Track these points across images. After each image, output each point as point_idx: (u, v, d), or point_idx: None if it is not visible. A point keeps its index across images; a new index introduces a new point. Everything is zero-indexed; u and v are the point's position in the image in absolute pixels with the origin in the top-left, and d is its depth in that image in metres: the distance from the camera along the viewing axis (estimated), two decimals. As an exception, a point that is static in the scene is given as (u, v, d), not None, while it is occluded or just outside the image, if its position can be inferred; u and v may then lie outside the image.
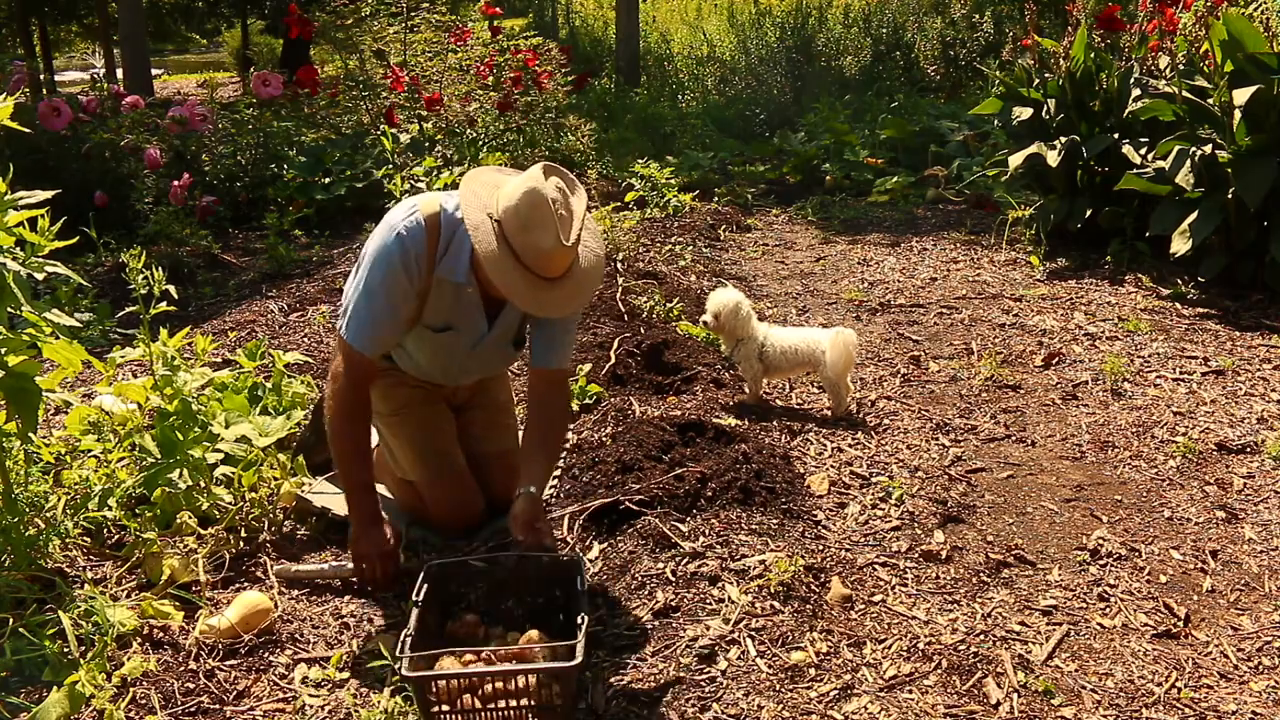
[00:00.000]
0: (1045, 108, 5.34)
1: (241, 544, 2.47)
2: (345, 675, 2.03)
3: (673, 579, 2.24)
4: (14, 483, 2.30)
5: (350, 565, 2.33)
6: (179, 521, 2.43)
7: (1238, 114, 4.19)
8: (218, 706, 1.95)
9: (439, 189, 6.13)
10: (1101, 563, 2.44)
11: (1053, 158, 5.04)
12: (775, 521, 2.50)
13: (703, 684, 1.95)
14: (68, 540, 2.37)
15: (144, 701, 1.93)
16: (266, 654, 2.11)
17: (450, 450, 2.55)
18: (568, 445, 3.02)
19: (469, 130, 7.50)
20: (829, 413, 3.32)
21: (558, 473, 2.87)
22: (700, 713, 1.88)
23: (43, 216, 2.19)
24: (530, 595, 2.14)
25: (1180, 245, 4.44)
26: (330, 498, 2.67)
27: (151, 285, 2.61)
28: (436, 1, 8.32)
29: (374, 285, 2.20)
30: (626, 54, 12.49)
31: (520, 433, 2.74)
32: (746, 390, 3.38)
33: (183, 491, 2.48)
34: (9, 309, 2.10)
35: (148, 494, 2.48)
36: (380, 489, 2.55)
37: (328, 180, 6.60)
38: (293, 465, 2.71)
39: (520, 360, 2.89)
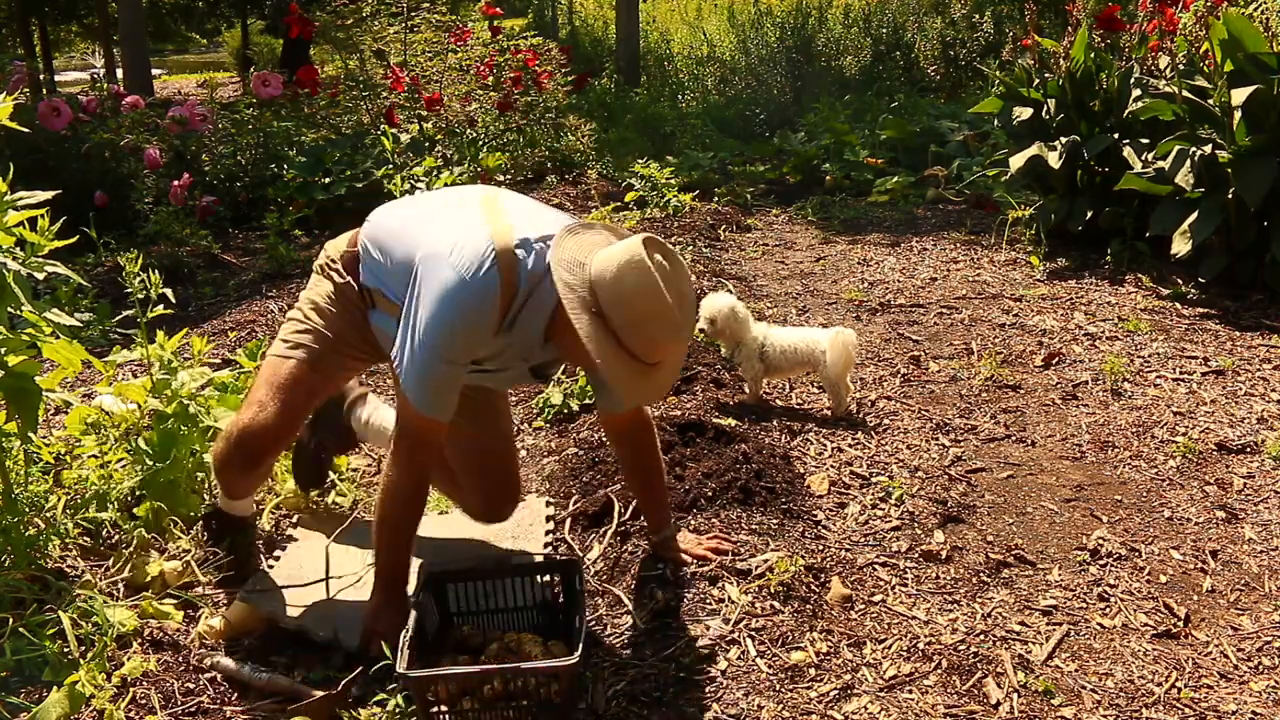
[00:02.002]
0: (1045, 108, 5.33)
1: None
2: (345, 675, 2.03)
3: (673, 579, 2.24)
4: (14, 483, 2.30)
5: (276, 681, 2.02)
6: (175, 524, 2.43)
7: (1237, 114, 4.19)
8: (217, 706, 1.95)
9: (440, 187, 6.13)
10: (1101, 563, 2.44)
11: (1053, 158, 5.04)
12: (775, 521, 2.50)
13: (703, 684, 1.95)
14: (67, 540, 2.37)
15: (144, 701, 1.93)
16: (267, 654, 2.11)
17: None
18: (568, 447, 3.02)
19: (469, 130, 7.51)
20: (829, 413, 3.32)
21: (557, 471, 2.87)
22: (700, 713, 1.87)
23: (43, 216, 2.19)
24: (529, 596, 2.14)
25: (1180, 245, 4.44)
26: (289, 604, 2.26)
27: (148, 289, 2.61)
28: (436, 1, 8.34)
29: (439, 345, 1.88)
30: (626, 54, 12.50)
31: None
32: (747, 390, 3.38)
33: (180, 494, 2.48)
34: (9, 309, 2.10)
35: (147, 495, 2.48)
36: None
37: (328, 180, 6.61)
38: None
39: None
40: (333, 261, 2.20)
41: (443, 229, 1.98)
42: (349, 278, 2.16)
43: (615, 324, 1.80)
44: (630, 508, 2.53)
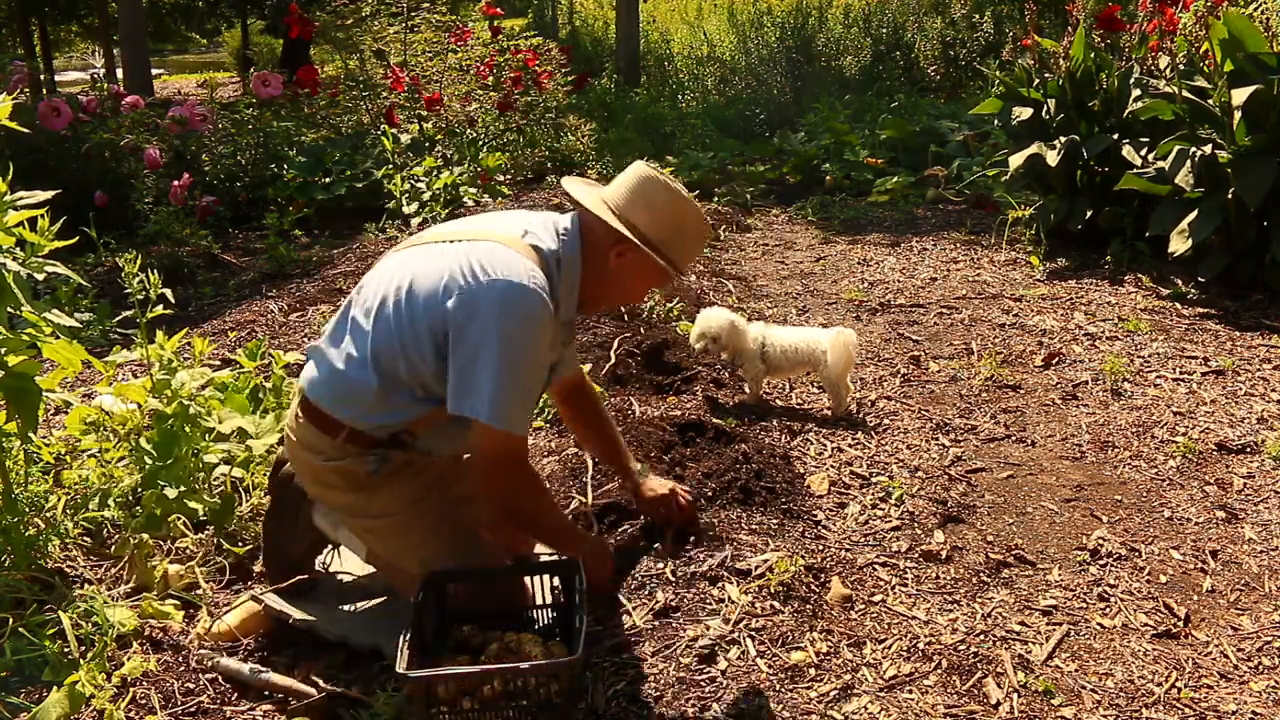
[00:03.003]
0: (1045, 108, 5.34)
1: (240, 545, 2.47)
2: (346, 675, 2.03)
3: (673, 579, 2.24)
4: (14, 483, 2.30)
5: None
6: (175, 526, 2.43)
7: (1237, 114, 4.19)
8: (217, 706, 1.95)
9: (439, 188, 6.14)
10: (1101, 563, 2.44)
11: (1053, 158, 5.04)
12: (775, 521, 2.50)
13: (703, 684, 1.95)
14: (67, 540, 2.37)
15: (144, 701, 1.93)
16: (267, 654, 2.11)
17: (480, 535, 2.15)
18: (568, 447, 3.02)
19: (469, 130, 7.52)
20: (829, 413, 3.32)
21: (557, 471, 2.86)
22: (700, 713, 1.87)
23: (43, 216, 2.19)
24: (529, 596, 2.13)
25: (1180, 245, 4.44)
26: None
27: (147, 289, 2.61)
28: (436, 1, 8.34)
29: (528, 353, 1.85)
30: (626, 54, 12.51)
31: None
32: (747, 390, 3.39)
33: (177, 496, 2.47)
34: (9, 309, 2.10)
35: (146, 495, 2.48)
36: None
37: (328, 180, 6.61)
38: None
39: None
40: (355, 467, 1.99)
41: (440, 274, 1.89)
42: (381, 451, 1.99)
43: (666, 249, 1.94)
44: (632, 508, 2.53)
